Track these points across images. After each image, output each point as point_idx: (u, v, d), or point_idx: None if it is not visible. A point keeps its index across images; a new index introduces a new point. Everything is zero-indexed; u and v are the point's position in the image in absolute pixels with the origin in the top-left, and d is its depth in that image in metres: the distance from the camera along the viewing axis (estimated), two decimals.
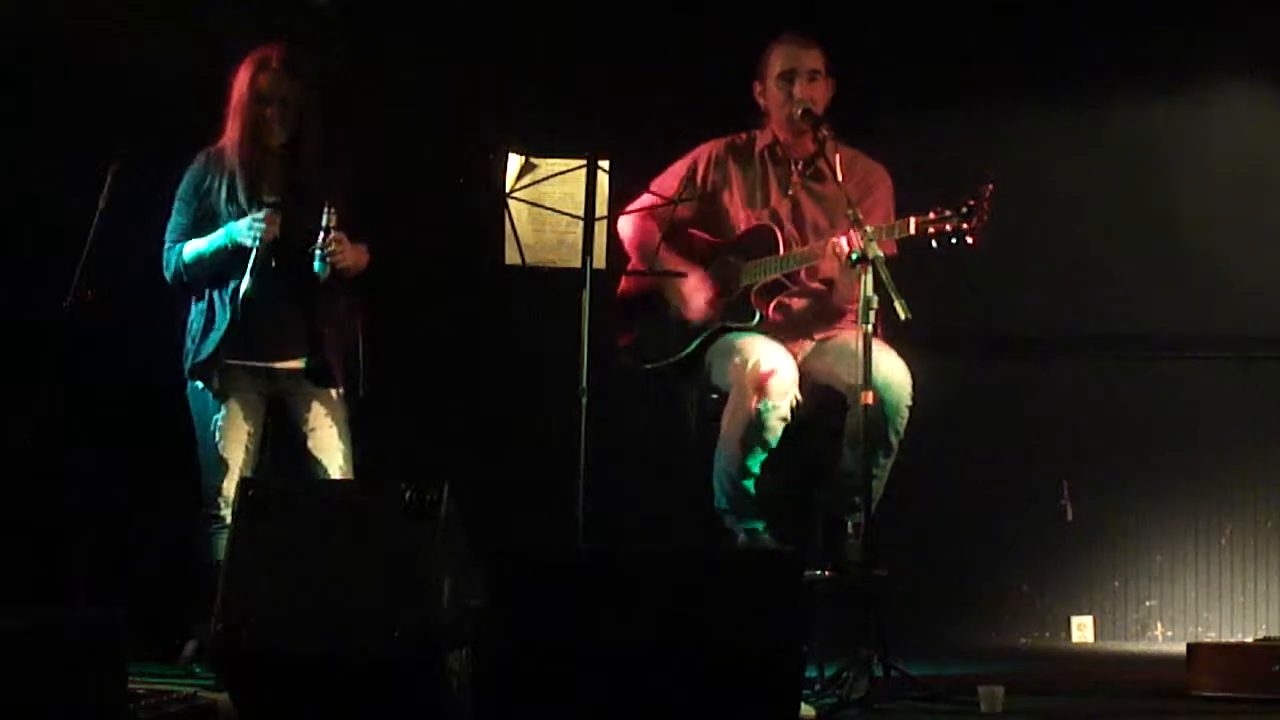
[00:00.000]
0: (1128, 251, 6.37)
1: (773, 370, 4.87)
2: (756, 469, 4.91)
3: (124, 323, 5.37)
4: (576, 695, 3.73)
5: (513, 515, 5.45)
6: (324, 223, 4.76)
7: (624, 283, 5.25)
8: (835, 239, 4.75)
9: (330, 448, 4.89)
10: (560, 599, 3.79)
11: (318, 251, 4.76)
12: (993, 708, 4.26)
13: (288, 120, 4.81)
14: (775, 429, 4.89)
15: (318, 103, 4.86)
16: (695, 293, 5.08)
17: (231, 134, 4.86)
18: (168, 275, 4.88)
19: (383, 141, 5.50)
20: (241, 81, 4.84)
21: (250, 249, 4.72)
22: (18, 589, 5.00)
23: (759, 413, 4.86)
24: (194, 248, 4.82)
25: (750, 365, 4.88)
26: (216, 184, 4.85)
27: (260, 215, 4.73)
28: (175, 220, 4.89)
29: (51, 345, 4.98)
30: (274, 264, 4.74)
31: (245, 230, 4.73)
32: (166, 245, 4.88)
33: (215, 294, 4.82)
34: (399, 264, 5.14)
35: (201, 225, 4.84)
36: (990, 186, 4.65)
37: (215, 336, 4.80)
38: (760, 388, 4.86)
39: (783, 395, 4.88)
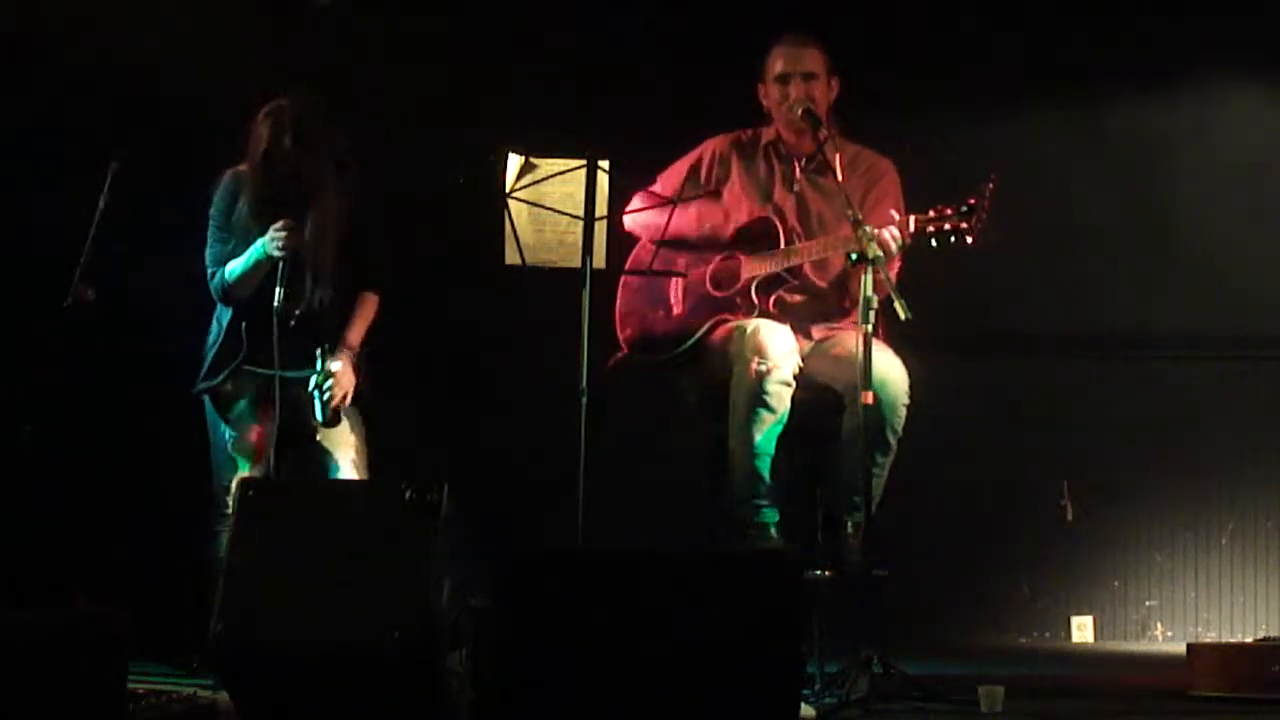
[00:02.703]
0: (1128, 251, 6.37)
1: (774, 335, 4.87)
2: (770, 447, 4.86)
3: (124, 323, 5.38)
4: (576, 695, 3.73)
5: (513, 515, 5.45)
6: (327, 368, 4.80)
7: (622, 304, 5.26)
8: (879, 232, 4.70)
9: (344, 443, 4.90)
10: (560, 599, 3.79)
11: (316, 398, 4.79)
12: (993, 708, 4.25)
13: (303, 188, 4.81)
14: (779, 394, 4.85)
15: (333, 155, 4.86)
16: (691, 298, 5.10)
17: (249, 185, 4.86)
18: (218, 299, 4.90)
19: (383, 141, 5.50)
20: (256, 145, 4.82)
21: (278, 261, 4.75)
22: (18, 589, 5.00)
23: (759, 375, 4.84)
24: (234, 266, 4.86)
25: (749, 332, 4.88)
26: (243, 212, 4.87)
27: (279, 226, 4.75)
28: (215, 248, 4.91)
29: (51, 345, 4.98)
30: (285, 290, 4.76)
31: (269, 243, 4.77)
32: (210, 272, 4.90)
33: (241, 323, 4.84)
34: (399, 264, 5.14)
35: (239, 248, 4.87)
36: (991, 185, 4.65)
37: (232, 365, 4.84)
38: (759, 350, 4.84)
39: (783, 357, 4.86)
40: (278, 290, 4.72)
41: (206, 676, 4.43)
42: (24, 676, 3.59)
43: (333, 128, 4.85)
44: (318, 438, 4.89)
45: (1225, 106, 6.38)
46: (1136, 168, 6.38)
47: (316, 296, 4.87)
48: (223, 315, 4.92)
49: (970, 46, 6.24)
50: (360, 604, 3.83)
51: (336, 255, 4.87)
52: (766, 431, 4.86)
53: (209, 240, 4.93)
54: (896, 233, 4.71)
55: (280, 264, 4.75)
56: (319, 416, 4.81)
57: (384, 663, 3.78)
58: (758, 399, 4.85)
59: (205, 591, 4.19)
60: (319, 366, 4.79)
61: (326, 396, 4.80)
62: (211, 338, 4.92)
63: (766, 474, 4.87)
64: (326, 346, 4.82)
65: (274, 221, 4.78)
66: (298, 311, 4.79)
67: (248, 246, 4.83)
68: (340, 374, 4.85)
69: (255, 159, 4.83)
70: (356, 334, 4.99)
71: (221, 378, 4.85)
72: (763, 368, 4.83)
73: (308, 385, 4.87)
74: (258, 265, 4.81)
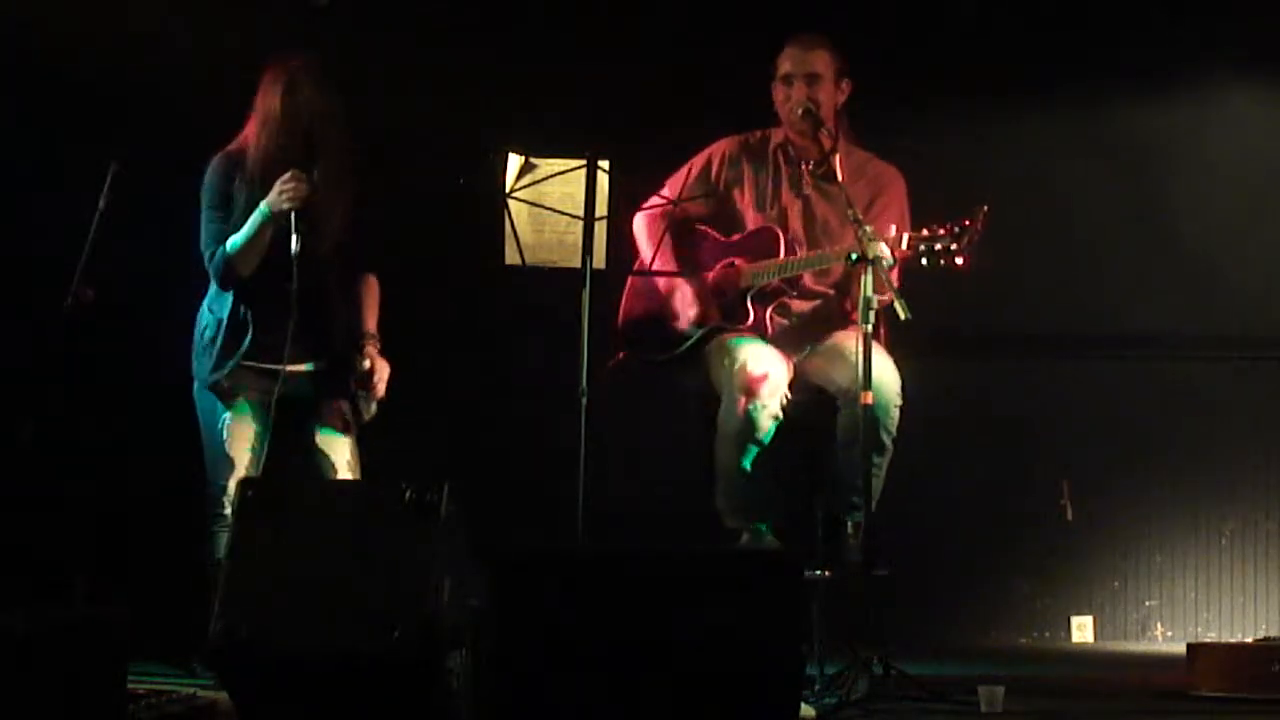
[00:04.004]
0: (1128, 251, 6.37)
1: (762, 372, 4.90)
2: (749, 466, 4.93)
3: (124, 322, 5.37)
4: (576, 695, 3.73)
5: (513, 515, 5.44)
6: (361, 368, 4.90)
7: (625, 303, 5.26)
8: (878, 242, 4.71)
9: (338, 444, 4.90)
10: (560, 599, 3.79)
11: (362, 394, 4.90)
12: (993, 708, 4.26)
13: (314, 145, 4.79)
14: (766, 427, 4.91)
15: (342, 123, 4.85)
16: (690, 304, 5.10)
17: (255, 149, 4.84)
18: (217, 281, 4.85)
19: (383, 141, 5.50)
20: (271, 98, 4.80)
21: (286, 215, 4.72)
22: (18, 589, 5.00)
23: (749, 413, 4.89)
24: (236, 237, 4.81)
25: (739, 366, 4.91)
26: (241, 191, 4.84)
27: (286, 178, 4.73)
28: (211, 228, 4.86)
29: (51, 345, 4.98)
30: (292, 282, 4.74)
31: (277, 198, 4.73)
32: (207, 255, 4.85)
33: (245, 309, 4.82)
34: (399, 264, 5.14)
35: (240, 223, 4.83)
36: (985, 209, 4.65)
37: (234, 360, 4.82)
38: (749, 390, 4.88)
39: (772, 395, 4.90)
40: (294, 239, 4.69)
41: (206, 676, 4.43)
42: (24, 676, 3.58)
43: (338, 94, 4.85)
44: (315, 438, 4.90)
45: (1224, 106, 6.37)
46: (1136, 167, 6.38)
47: (333, 277, 4.86)
48: (218, 305, 4.86)
49: (970, 47, 6.23)
50: (360, 604, 3.83)
51: (342, 225, 4.84)
52: (750, 456, 4.94)
53: (203, 223, 4.87)
54: (888, 249, 4.70)
55: (292, 216, 4.70)
56: (364, 414, 4.91)
57: (384, 663, 3.79)
58: (748, 434, 4.92)
59: (205, 591, 4.19)
60: (355, 369, 4.88)
61: (367, 392, 4.88)
62: (210, 331, 4.87)
63: (751, 491, 4.93)
64: (359, 348, 4.91)
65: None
66: (298, 286, 4.73)
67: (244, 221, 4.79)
68: (376, 366, 4.92)
69: (272, 112, 4.78)
70: (372, 320, 5.01)
71: (225, 371, 4.82)
72: (753, 407, 4.89)
73: (306, 378, 4.87)
74: (262, 230, 4.75)
